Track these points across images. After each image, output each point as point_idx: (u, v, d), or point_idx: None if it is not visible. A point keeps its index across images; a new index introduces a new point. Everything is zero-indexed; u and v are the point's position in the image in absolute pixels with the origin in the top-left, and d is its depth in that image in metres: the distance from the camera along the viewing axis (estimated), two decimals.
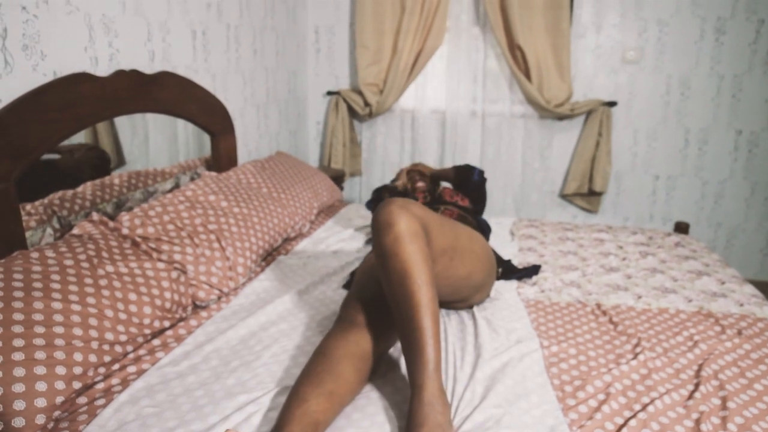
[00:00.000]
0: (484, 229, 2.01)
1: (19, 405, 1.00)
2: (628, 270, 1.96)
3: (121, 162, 2.03)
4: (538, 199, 3.29)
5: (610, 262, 2.03)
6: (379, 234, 1.14)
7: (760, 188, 3.05)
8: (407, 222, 1.12)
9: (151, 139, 2.18)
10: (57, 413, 1.06)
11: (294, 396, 1.04)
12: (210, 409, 1.10)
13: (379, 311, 1.24)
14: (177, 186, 2.13)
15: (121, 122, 1.94)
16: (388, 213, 1.14)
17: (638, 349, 1.41)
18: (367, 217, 2.45)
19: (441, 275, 1.30)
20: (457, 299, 1.51)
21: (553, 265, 1.99)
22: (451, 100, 3.19)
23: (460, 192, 2.22)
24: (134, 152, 2.07)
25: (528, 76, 3.00)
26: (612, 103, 3.01)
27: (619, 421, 1.13)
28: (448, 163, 3.30)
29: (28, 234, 1.49)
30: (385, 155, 3.42)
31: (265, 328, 1.43)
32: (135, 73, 1.79)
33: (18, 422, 0.99)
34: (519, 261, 2.02)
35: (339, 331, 1.20)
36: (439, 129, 3.30)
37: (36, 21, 1.45)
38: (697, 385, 1.26)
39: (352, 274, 1.75)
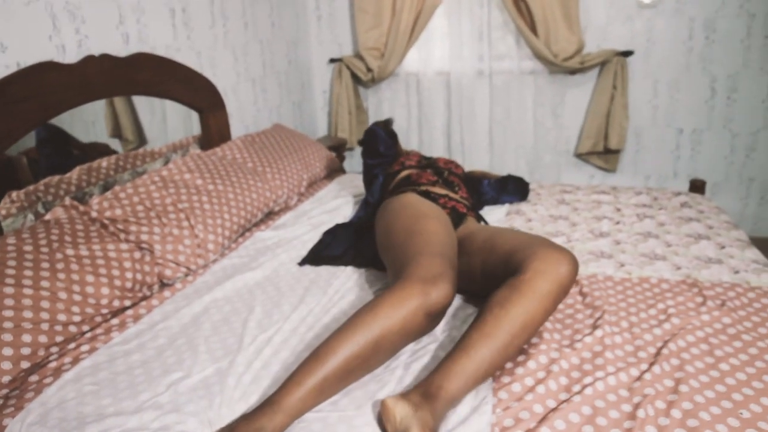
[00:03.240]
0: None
1: None
2: (618, 235, 1.86)
3: (142, 142, 2.10)
4: (552, 160, 3.15)
5: (601, 226, 1.92)
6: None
7: None
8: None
9: (169, 118, 2.24)
10: (5, 391, 1.13)
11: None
12: (144, 386, 1.15)
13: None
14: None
15: (140, 103, 2.00)
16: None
17: (599, 323, 1.34)
18: (358, 186, 2.41)
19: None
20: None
21: (539, 231, 1.91)
22: (455, 60, 3.07)
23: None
24: (153, 131, 2.14)
25: (534, 29, 2.83)
26: (627, 53, 2.80)
27: (552, 403, 1.06)
28: (456, 127, 3.19)
29: (8, 221, 1.57)
30: None
31: (219, 306, 1.46)
32: (106, 58, 1.82)
33: None
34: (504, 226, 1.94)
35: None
36: (445, 91, 3.18)
37: None
38: (651, 365, 1.18)
39: (311, 251, 1.75)
